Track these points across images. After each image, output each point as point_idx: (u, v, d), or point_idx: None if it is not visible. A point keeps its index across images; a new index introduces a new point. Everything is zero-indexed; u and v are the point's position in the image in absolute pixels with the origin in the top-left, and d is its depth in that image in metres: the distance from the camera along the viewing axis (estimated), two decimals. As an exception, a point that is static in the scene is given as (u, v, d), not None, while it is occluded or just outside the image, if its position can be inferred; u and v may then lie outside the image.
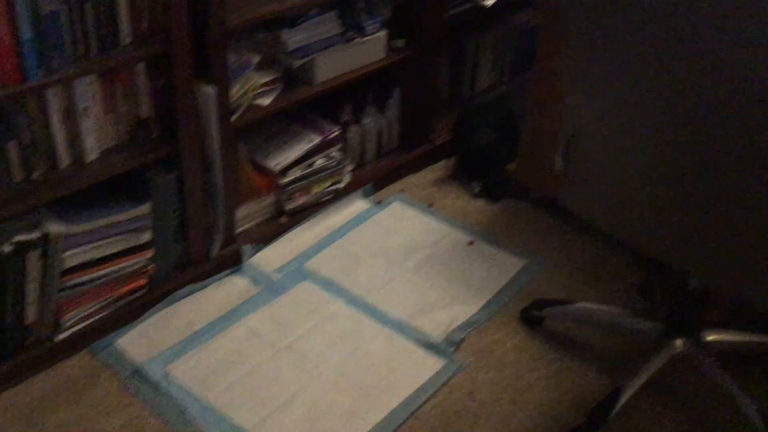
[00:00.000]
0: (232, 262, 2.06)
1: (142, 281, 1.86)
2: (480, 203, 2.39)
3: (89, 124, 1.65)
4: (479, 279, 2.09)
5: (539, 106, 2.20)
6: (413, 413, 1.71)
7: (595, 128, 1.49)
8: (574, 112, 1.51)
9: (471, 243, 2.22)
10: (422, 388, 1.76)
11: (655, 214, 1.46)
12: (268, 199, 2.16)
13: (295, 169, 2.15)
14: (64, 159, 1.65)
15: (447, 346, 1.87)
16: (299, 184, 2.18)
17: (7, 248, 1.56)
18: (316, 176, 2.21)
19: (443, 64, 2.53)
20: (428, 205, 2.37)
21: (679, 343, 1.70)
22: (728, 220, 1.34)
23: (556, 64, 2.06)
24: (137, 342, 1.82)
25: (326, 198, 2.27)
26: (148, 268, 1.86)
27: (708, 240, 1.40)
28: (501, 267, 2.13)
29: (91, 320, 1.78)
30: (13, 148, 1.56)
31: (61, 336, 1.74)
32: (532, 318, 1.94)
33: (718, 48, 1.15)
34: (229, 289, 2.01)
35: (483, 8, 2.44)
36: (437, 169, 2.53)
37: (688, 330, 1.71)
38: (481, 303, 2.01)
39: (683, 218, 1.41)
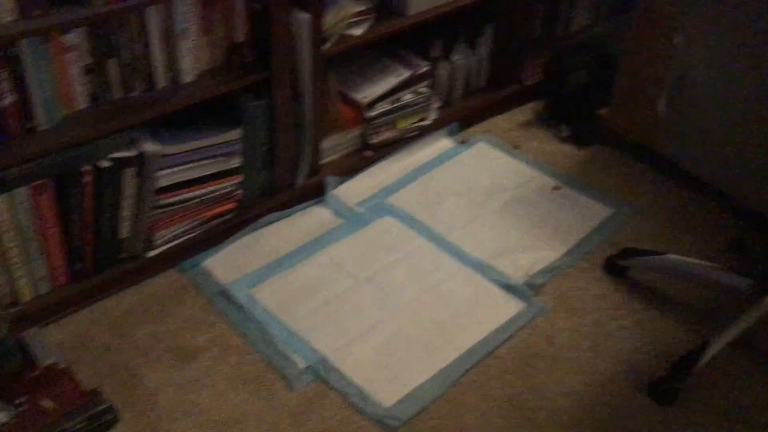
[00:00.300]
0: (316, 193, 2.07)
1: (230, 205, 1.90)
2: (568, 148, 2.33)
3: (186, 46, 1.66)
4: (564, 224, 2.04)
5: (639, 48, 2.11)
6: (491, 353, 1.71)
7: (704, 70, 1.41)
8: (682, 53, 1.44)
9: (557, 188, 2.17)
10: (500, 329, 1.76)
11: (760, 164, 1.39)
12: (354, 132, 2.15)
13: (382, 102, 2.13)
14: (161, 80, 1.67)
15: (527, 290, 1.85)
16: (385, 118, 2.16)
17: (105, 163, 1.60)
18: (403, 111, 2.19)
19: (538, 2, 2.44)
20: (514, 147, 2.32)
21: (771, 301, 1.64)
22: None
23: (662, 6, 1.98)
24: (223, 264, 1.86)
25: (411, 134, 2.25)
26: (236, 193, 1.89)
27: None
28: (587, 213, 2.08)
29: (180, 240, 1.83)
30: (113, 66, 1.59)
31: (152, 253, 1.79)
32: (617, 267, 1.90)
33: None
34: (312, 218, 2.03)
35: (585, -56, 2.33)
36: (525, 111, 2.48)
37: (783, 289, 1.65)
38: (565, 249, 1.97)
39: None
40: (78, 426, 1.46)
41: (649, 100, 1.97)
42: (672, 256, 1.85)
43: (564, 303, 1.83)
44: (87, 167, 1.58)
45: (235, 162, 1.84)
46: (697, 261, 1.84)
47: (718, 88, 1.40)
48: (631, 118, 2.19)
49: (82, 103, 1.58)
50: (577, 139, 2.34)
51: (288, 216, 2.01)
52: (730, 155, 1.45)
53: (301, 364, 1.65)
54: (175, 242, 1.82)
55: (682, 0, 1.39)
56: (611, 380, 1.66)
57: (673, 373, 1.62)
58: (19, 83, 1.46)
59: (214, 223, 1.89)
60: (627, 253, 1.90)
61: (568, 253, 1.96)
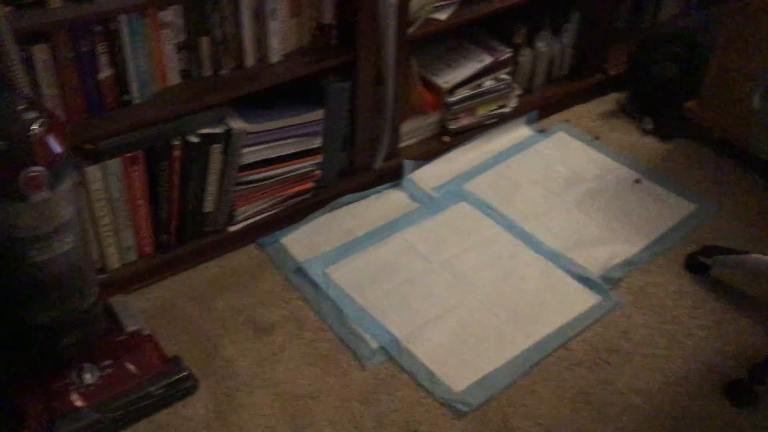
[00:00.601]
0: (393, 176, 2.08)
1: (309, 185, 1.93)
2: (650, 140, 2.28)
3: (275, 26, 1.69)
4: (644, 218, 2.00)
5: (731, 42, 2.04)
6: (564, 344, 1.69)
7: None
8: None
9: (638, 181, 2.13)
10: (575, 321, 1.74)
11: None
12: (433, 117, 2.15)
13: (463, 88, 2.12)
14: (250, 58, 1.71)
15: (603, 283, 1.82)
16: (465, 104, 2.15)
17: (194, 139, 1.64)
18: (483, 98, 2.18)
19: (625, -10, 2.39)
20: (594, 138, 2.28)
21: None
22: None
23: (761, -4, 1.90)
24: (300, 242, 1.90)
25: (490, 121, 2.23)
26: (316, 172, 1.92)
27: None
28: (669, 208, 2.03)
29: (260, 216, 1.87)
30: (205, 44, 1.63)
31: (233, 228, 1.84)
32: (698, 264, 1.86)
33: None
34: (388, 201, 2.04)
35: (680, -70, 2.26)
36: (607, 102, 2.43)
37: None
38: (644, 243, 1.93)
39: None
40: (159, 391, 1.51)
41: (741, 94, 1.91)
42: (756, 256, 1.79)
43: (641, 298, 1.80)
44: (177, 141, 1.63)
45: (316, 142, 1.86)
46: (784, 263, 1.78)
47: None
48: (720, 112, 2.12)
49: (174, 79, 1.63)
50: (660, 131, 2.28)
51: (364, 198, 2.03)
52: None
53: (374, 344, 1.67)
54: (256, 218, 1.86)
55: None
56: (687, 379, 1.63)
57: (753, 375, 1.58)
58: (117, 57, 1.51)
59: (293, 201, 1.92)
60: (709, 250, 1.85)
61: (647, 248, 1.92)
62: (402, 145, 2.11)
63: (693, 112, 2.21)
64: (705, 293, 1.81)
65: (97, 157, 1.56)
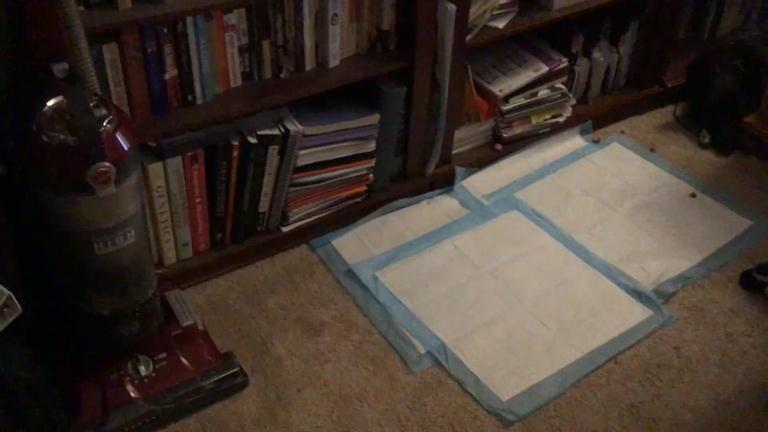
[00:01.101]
0: (445, 182, 2.09)
1: (362, 188, 1.94)
2: (708, 154, 2.24)
3: (335, 31, 1.71)
4: (699, 233, 1.97)
5: (796, 56, 2.00)
6: (614, 357, 1.68)
7: None
8: None
9: (693, 195, 2.09)
10: (626, 335, 1.72)
11: None
12: (487, 125, 2.15)
13: (518, 96, 2.12)
14: (309, 63, 1.73)
15: (656, 297, 1.80)
16: (519, 113, 2.15)
17: (252, 139, 1.67)
18: (538, 107, 2.17)
19: (686, 1, 2.35)
20: (650, 150, 2.26)
21: None
22: None
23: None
24: (351, 244, 1.91)
25: (544, 130, 2.23)
26: (369, 176, 1.93)
27: None
28: (725, 224, 2.00)
29: (313, 218, 1.89)
30: (267, 47, 1.66)
31: (287, 228, 1.86)
32: (754, 282, 1.82)
33: None
34: (439, 207, 2.05)
35: (745, -58, 2.22)
36: (664, 114, 2.40)
37: None
38: (699, 258, 1.90)
39: None
40: (211, 386, 1.54)
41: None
42: (816, 276, 1.76)
43: (694, 314, 1.77)
44: (235, 142, 1.66)
45: (370, 146, 1.88)
46: None
47: None
48: (781, 127, 2.08)
49: (236, 81, 1.66)
50: (718, 145, 2.25)
51: (416, 203, 2.04)
52: None
53: (421, 348, 1.68)
54: (308, 220, 1.89)
55: None
56: (740, 398, 1.60)
57: (810, 398, 1.54)
58: (182, 58, 1.55)
59: (345, 204, 1.94)
60: (765, 267, 1.81)
61: (701, 264, 1.89)
62: (455, 151, 2.12)
63: (752, 127, 2.17)
64: (760, 311, 1.78)
65: (159, 155, 1.60)
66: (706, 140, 2.26)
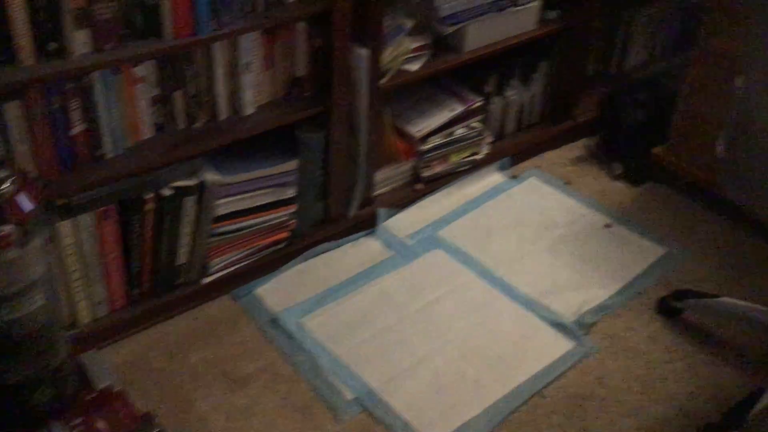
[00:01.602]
0: (368, 224, 2.09)
1: (284, 234, 1.93)
2: (620, 185, 2.32)
3: (249, 79, 1.71)
4: (615, 263, 2.03)
5: (696, 89, 2.10)
6: (539, 391, 1.69)
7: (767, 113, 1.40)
8: (743, 95, 1.43)
9: (608, 225, 2.16)
10: (550, 368, 1.75)
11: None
12: (407, 165, 2.18)
13: (435, 136, 2.15)
14: (224, 111, 1.72)
15: (577, 328, 1.83)
16: (438, 152, 2.18)
17: (167, 192, 1.65)
18: (456, 146, 2.21)
19: (594, 39, 2.45)
20: (566, 183, 2.32)
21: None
22: None
23: (724, 44, 1.96)
24: (275, 292, 1.89)
25: (463, 168, 2.26)
26: (290, 222, 1.92)
27: None
28: (639, 253, 2.06)
29: (235, 267, 1.87)
30: (179, 98, 1.64)
31: (208, 279, 1.83)
32: (670, 308, 1.88)
33: None
34: (363, 250, 2.05)
35: (642, -18, 2.33)
36: (577, 147, 2.47)
37: None
38: (616, 288, 1.95)
39: None
40: (131, 448, 1.49)
41: (707, 140, 1.96)
42: (727, 299, 1.82)
43: (615, 343, 1.81)
44: (149, 195, 1.63)
45: (290, 192, 1.87)
46: (753, 305, 1.81)
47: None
48: (688, 157, 2.17)
49: (147, 132, 1.63)
50: (630, 176, 2.32)
51: (339, 246, 2.04)
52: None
53: (349, 395, 1.66)
54: (230, 269, 1.86)
55: (745, 40, 1.38)
56: (663, 424, 1.64)
57: (726, 419, 1.58)
58: (90, 112, 1.52)
59: (267, 251, 1.92)
60: (681, 294, 1.87)
61: (619, 293, 1.94)
62: (376, 193, 2.13)
63: (661, 157, 2.25)
64: (677, 337, 1.83)
65: (69, 212, 1.55)
66: (619, 172, 2.33)
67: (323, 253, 2.01)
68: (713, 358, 1.78)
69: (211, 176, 1.70)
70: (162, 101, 1.62)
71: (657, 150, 2.26)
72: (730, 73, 1.47)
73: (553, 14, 2.23)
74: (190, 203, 1.68)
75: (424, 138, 2.13)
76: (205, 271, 1.82)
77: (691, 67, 2.11)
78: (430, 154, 2.16)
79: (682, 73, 2.16)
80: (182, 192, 1.66)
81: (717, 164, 1.56)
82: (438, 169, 2.21)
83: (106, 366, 1.59)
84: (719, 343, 1.82)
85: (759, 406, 1.57)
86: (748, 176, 1.49)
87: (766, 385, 1.59)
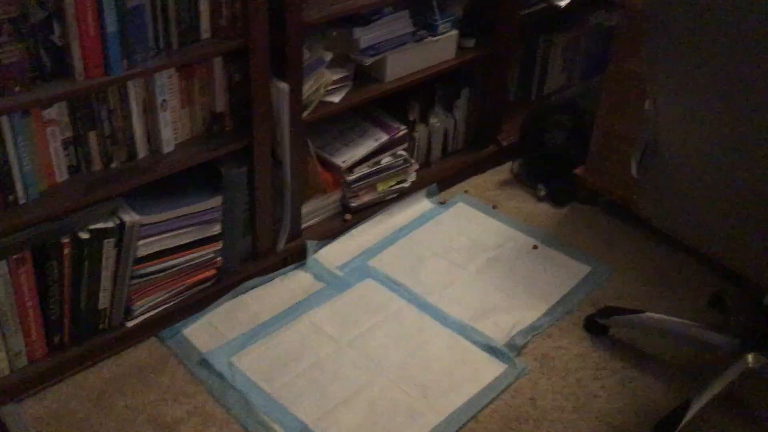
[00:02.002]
0: (297, 257, 2.08)
1: (211, 272, 1.90)
2: (545, 207, 2.36)
3: (167, 117, 1.68)
4: (543, 283, 2.06)
5: (612, 110, 2.16)
6: (474, 416, 1.70)
7: (675, 135, 1.45)
8: (653, 117, 1.48)
9: (535, 247, 2.19)
10: (483, 392, 1.75)
11: (733, 225, 1.42)
12: (334, 196, 2.17)
13: (361, 166, 2.16)
14: (142, 150, 1.69)
15: (509, 351, 1.85)
16: (365, 181, 2.19)
17: (84, 235, 1.60)
18: (382, 174, 2.22)
19: (513, 65, 2.50)
20: (492, 207, 2.35)
21: (750, 358, 1.66)
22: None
23: (634, 67, 2.03)
24: (204, 332, 1.85)
25: (391, 196, 2.27)
26: (217, 259, 1.89)
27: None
28: (566, 272, 2.10)
29: (160, 308, 1.82)
30: (93, 138, 1.61)
31: (132, 323, 1.78)
32: (597, 326, 1.91)
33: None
34: (293, 283, 2.03)
35: (556, 8, 2.40)
36: (503, 171, 2.52)
37: (761, 345, 1.66)
38: (545, 308, 1.98)
39: (763, 231, 1.36)
40: (55, 504, 1.42)
41: (623, 160, 2.01)
42: (651, 315, 1.86)
43: (546, 363, 1.83)
44: (66, 239, 1.58)
45: (215, 229, 1.85)
46: (676, 319, 1.86)
47: (689, 151, 1.43)
48: (607, 177, 2.23)
49: (62, 175, 1.59)
50: (554, 197, 2.37)
51: (269, 281, 2.01)
52: (703, 217, 1.48)
53: (283, 433, 1.64)
54: (155, 311, 1.81)
55: (648, 65, 1.43)
56: (595, 442, 1.66)
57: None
58: (-1, 158, 1.48)
59: (194, 290, 1.88)
60: (607, 311, 1.91)
61: (548, 313, 1.97)
62: (304, 225, 2.12)
63: (582, 178, 2.31)
64: (606, 354, 1.86)
65: (-20, 261, 1.49)
66: (543, 194, 2.38)
67: (253, 288, 1.98)
68: (641, 372, 1.82)
69: (130, 217, 1.66)
70: (76, 143, 1.58)
71: (578, 171, 2.32)
72: (642, 95, 1.51)
73: (470, 43, 2.27)
74: (109, 246, 1.64)
75: (351, 168, 2.14)
76: (129, 314, 1.78)
77: (605, 88, 2.17)
78: (357, 184, 2.17)
79: (599, 95, 2.23)
80: (101, 234, 1.62)
81: (633, 184, 1.61)
82: (366, 198, 2.22)
83: (27, 419, 1.52)
84: (646, 357, 1.86)
85: (687, 418, 1.60)
86: (660, 196, 1.54)
87: (692, 397, 1.63)
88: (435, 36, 2.14)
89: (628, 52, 2.05)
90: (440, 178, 2.38)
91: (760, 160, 1.27)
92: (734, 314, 1.77)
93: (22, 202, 1.54)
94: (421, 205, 2.33)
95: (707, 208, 1.45)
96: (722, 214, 1.43)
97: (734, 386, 1.65)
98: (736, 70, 1.21)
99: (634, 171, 1.58)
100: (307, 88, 1.90)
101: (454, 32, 2.20)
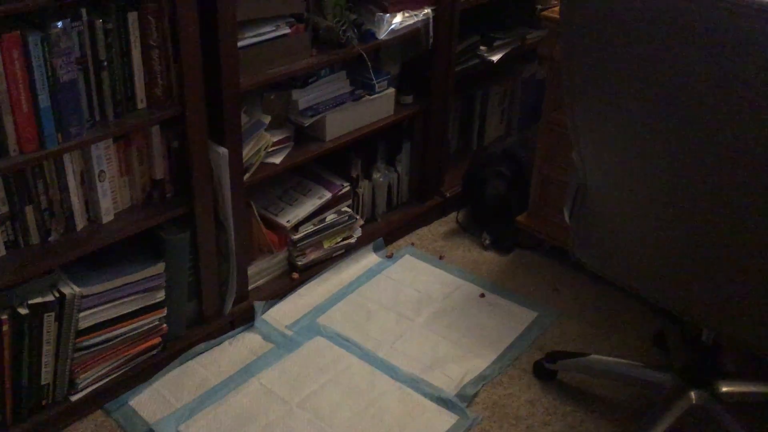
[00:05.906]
0: (245, 319, 2.07)
1: (156, 340, 1.88)
2: (491, 255, 2.40)
3: (105, 187, 1.69)
4: (491, 331, 2.08)
5: (547, 158, 2.23)
6: (427, 470, 1.70)
7: (601, 182, 1.50)
8: (580, 166, 1.53)
9: (482, 295, 2.22)
10: (436, 445, 1.75)
11: (665, 266, 1.47)
12: (280, 255, 2.18)
13: (306, 224, 2.18)
14: (80, 221, 1.69)
15: (460, 401, 1.86)
16: (311, 239, 2.20)
17: (23, 310, 1.58)
18: (328, 231, 2.24)
19: (451, 117, 2.57)
20: (439, 258, 2.38)
21: (693, 394, 1.69)
22: (739, 273, 1.34)
23: (563, 116, 2.10)
24: (151, 401, 1.82)
25: (338, 253, 2.29)
26: (162, 326, 1.87)
27: (719, 292, 1.40)
28: (513, 319, 2.13)
29: (105, 380, 1.79)
30: (30, 212, 1.60)
31: (76, 396, 1.75)
32: (545, 371, 1.94)
33: (735, 101, 1.13)
34: (242, 345, 2.02)
35: (490, 63, 2.49)
36: (447, 222, 2.56)
37: (703, 381, 1.70)
38: (494, 356, 2.00)
39: (694, 271, 1.41)
40: None
41: (560, 206, 2.07)
42: (595, 357, 1.90)
43: (497, 411, 1.85)
44: (4, 316, 1.56)
45: (159, 296, 1.83)
46: (621, 360, 1.89)
47: (615, 198, 1.48)
48: (547, 223, 2.28)
49: (-2, 251, 1.58)
50: (499, 245, 2.42)
51: (217, 345, 2.00)
52: (633, 261, 1.52)
53: (235, 500, 1.61)
54: (100, 383, 1.78)
55: (570, 116, 1.48)
56: (548, 488, 1.67)
57: (607, 476, 1.63)
58: (-68, 237, 1.46)
59: (140, 359, 1.86)
60: (553, 356, 1.94)
61: (497, 360, 1.99)
62: (252, 286, 2.11)
63: (524, 225, 2.36)
64: (555, 398, 1.89)
65: None
66: (488, 242, 2.42)
67: (201, 353, 1.97)
68: (590, 415, 1.84)
69: (70, 289, 1.64)
70: (12, 218, 1.58)
71: (520, 218, 2.37)
72: (570, 144, 1.57)
73: (409, 99, 2.33)
74: (49, 319, 1.62)
75: (296, 227, 2.16)
76: (73, 388, 1.74)
77: (540, 136, 2.24)
78: (303, 243, 2.18)
79: (535, 144, 2.30)
80: (40, 309, 1.60)
81: (568, 229, 1.66)
82: (313, 256, 2.23)
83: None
84: (595, 399, 1.88)
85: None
86: (592, 241, 1.59)
87: (639, 435, 1.66)
88: (372, 94, 2.19)
89: (556, 103, 2.12)
90: (386, 231, 2.41)
91: (684, 205, 1.33)
92: (675, 352, 1.81)
93: (-44, 280, 1.52)
94: (368, 259, 2.35)
95: (637, 252, 1.50)
96: (651, 257, 1.48)
97: (679, 424, 1.68)
98: (649, 119, 1.27)
99: (567, 218, 1.62)
100: (247, 151, 1.92)
101: (391, 90, 2.25)
